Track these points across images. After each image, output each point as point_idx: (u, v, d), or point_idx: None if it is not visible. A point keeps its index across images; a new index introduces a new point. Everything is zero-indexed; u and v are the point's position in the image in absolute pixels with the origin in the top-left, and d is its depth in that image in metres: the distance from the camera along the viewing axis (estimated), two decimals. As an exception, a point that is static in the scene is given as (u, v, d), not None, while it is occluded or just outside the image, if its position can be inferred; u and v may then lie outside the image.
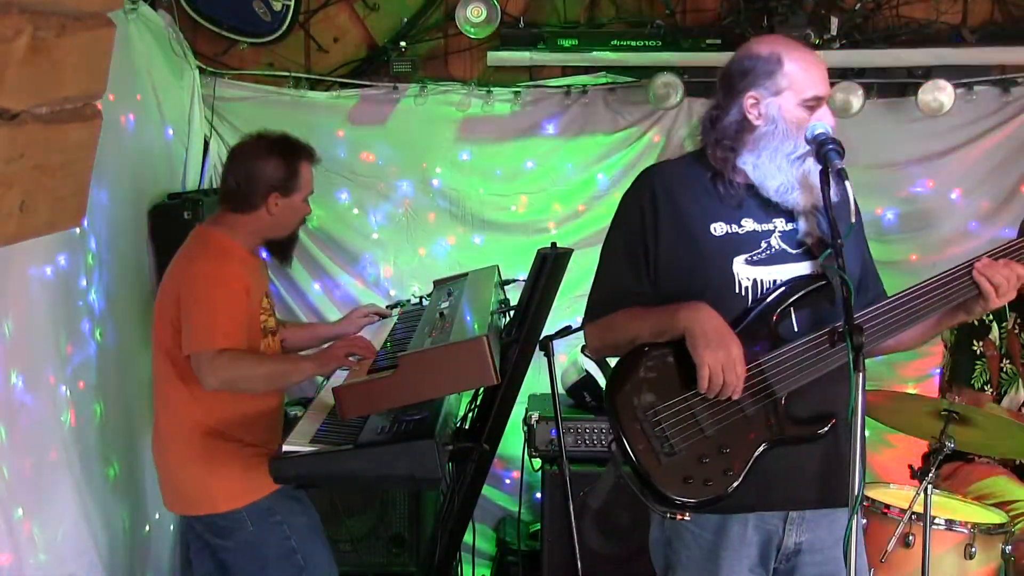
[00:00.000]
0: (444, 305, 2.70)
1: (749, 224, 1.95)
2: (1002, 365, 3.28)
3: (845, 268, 1.80)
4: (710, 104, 2.02)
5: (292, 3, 3.70)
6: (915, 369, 3.96)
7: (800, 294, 1.91)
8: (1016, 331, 3.28)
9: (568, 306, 3.71)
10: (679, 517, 1.88)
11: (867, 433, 2.08)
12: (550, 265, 2.68)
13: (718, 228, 1.94)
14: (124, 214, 3.13)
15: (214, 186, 3.70)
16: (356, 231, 4.01)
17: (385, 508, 3.58)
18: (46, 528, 2.45)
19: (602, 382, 3.55)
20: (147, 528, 3.14)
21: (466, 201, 4.01)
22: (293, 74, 3.91)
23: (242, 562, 2.59)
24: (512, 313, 2.84)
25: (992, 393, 3.25)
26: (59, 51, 1.52)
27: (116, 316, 3.00)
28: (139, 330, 3.04)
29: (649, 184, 2.02)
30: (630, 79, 3.91)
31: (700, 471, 1.84)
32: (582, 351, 3.58)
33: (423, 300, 3.13)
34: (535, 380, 3.20)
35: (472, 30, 3.78)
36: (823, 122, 1.91)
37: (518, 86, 3.96)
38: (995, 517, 2.85)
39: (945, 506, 2.87)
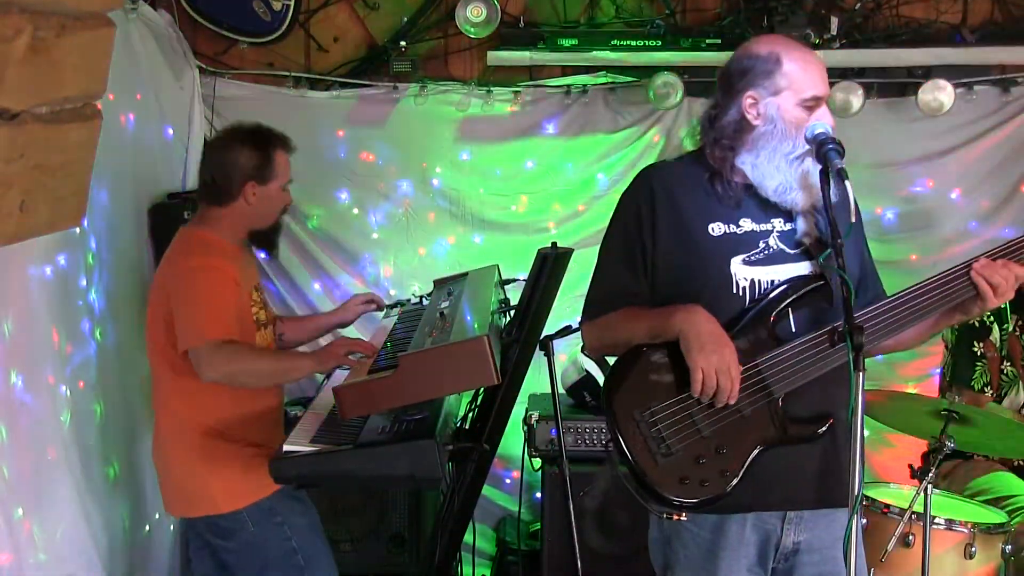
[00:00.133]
0: (444, 305, 2.70)
1: (747, 224, 1.95)
2: (1003, 367, 3.28)
3: (845, 268, 1.80)
4: (709, 103, 2.02)
5: (292, 3, 3.70)
6: (915, 369, 3.96)
7: (798, 294, 1.90)
8: (1017, 333, 3.28)
9: (568, 306, 3.71)
10: (675, 517, 1.89)
11: (867, 433, 2.09)
12: (550, 265, 2.68)
13: (716, 228, 1.94)
14: (124, 214, 3.13)
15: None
16: (356, 231, 4.01)
17: (385, 508, 3.57)
18: (46, 528, 2.44)
19: (602, 382, 3.56)
20: (147, 528, 3.14)
21: (466, 201, 4.01)
22: (293, 74, 3.91)
23: (243, 563, 2.59)
24: (512, 313, 2.84)
25: (992, 395, 3.25)
26: (59, 51, 1.52)
27: (116, 316, 3.00)
28: (139, 330, 3.03)
29: (647, 183, 2.02)
30: (630, 79, 3.91)
31: (697, 472, 1.84)
32: (582, 351, 3.59)
33: (423, 300, 3.13)
34: (535, 380, 3.20)
35: (472, 30, 3.78)
36: (822, 122, 1.92)
37: (518, 86, 3.95)
38: (995, 516, 2.86)
39: (945, 506, 2.87)
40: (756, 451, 1.86)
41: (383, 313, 3.21)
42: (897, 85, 3.94)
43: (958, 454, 3.13)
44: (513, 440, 3.54)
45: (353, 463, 2.28)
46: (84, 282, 2.83)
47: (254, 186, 2.58)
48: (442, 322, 2.48)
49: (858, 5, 3.82)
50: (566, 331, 2.96)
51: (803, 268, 1.94)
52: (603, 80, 3.94)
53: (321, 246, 3.99)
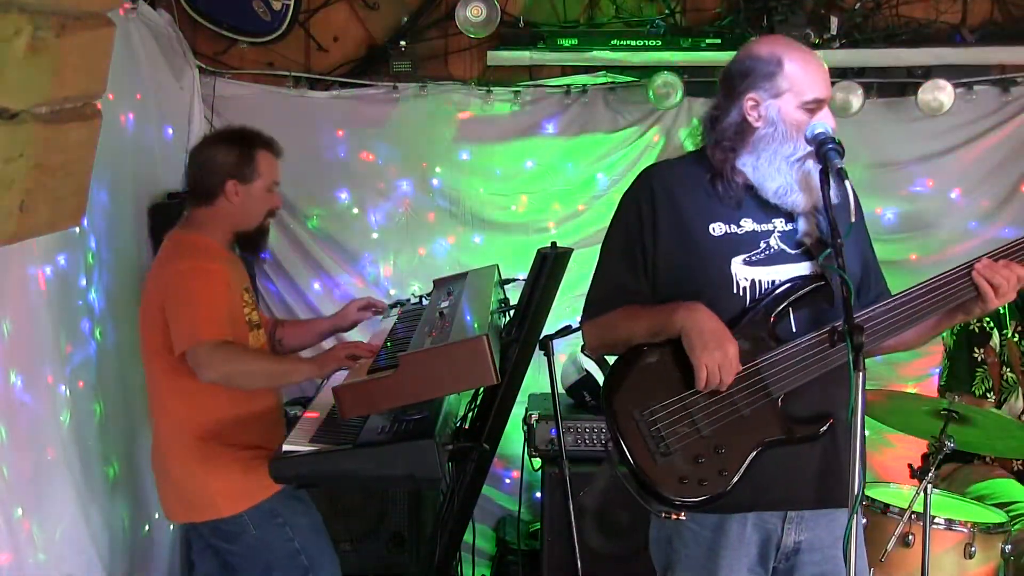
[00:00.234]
0: (444, 304, 2.70)
1: (748, 224, 1.95)
2: (1003, 372, 3.27)
3: (845, 267, 1.80)
4: (711, 104, 2.02)
5: (292, 2, 3.70)
6: (915, 369, 3.96)
7: (798, 294, 1.91)
8: (1016, 339, 3.27)
9: (568, 306, 3.71)
10: (674, 516, 1.89)
11: (867, 433, 2.08)
12: (550, 264, 2.68)
13: (717, 228, 1.94)
14: (124, 213, 3.13)
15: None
16: (356, 230, 4.01)
17: (385, 508, 3.57)
18: (45, 527, 2.44)
19: (602, 381, 3.56)
20: (147, 528, 3.14)
21: (466, 200, 4.01)
22: (293, 73, 3.91)
23: (247, 565, 2.60)
24: (512, 312, 2.84)
25: (993, 400, 3.24)
26: (59, 50, 1.52)
27: (116, 315, 3.00)
28: (139, 331, 3.03)
29: (648, 183, 2.02)
30: (630, 79, 3.91)
31: (696, 471, 1.84)
32: (582, 350, 3.59)
33: (423, 299, 3.13)
34: (535, 379, 3.20)
35: (472, 29, 3.78)
36: (823, 122, 1.92)
37: (518, 86, 3.95)
38: (995, 516, 2.86)
39: (945, 505, 2.87)
40: (755, 451, 1.86)
41: (383, 313, 3.20)
42: (897, 85, 3.94)
43: (957, 456, 3.12)
44: (513, 440, 3.54)
45: (353, 463, 2.28)
46: (84, 282, 2.83)
47: (236, 184, 2.58)
48: (442, 322, 2.48)
49: (858, 5, 3.82)
50: (566, 331, 2.96)
51: (804, 268, 1.94)
52: (603, 80, 3.94)
53: (321, 246, 3.98)
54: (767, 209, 1.95)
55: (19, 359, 2.42)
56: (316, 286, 3.99)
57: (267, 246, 2.80)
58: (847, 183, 1.81)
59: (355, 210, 4.00)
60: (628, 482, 1.86)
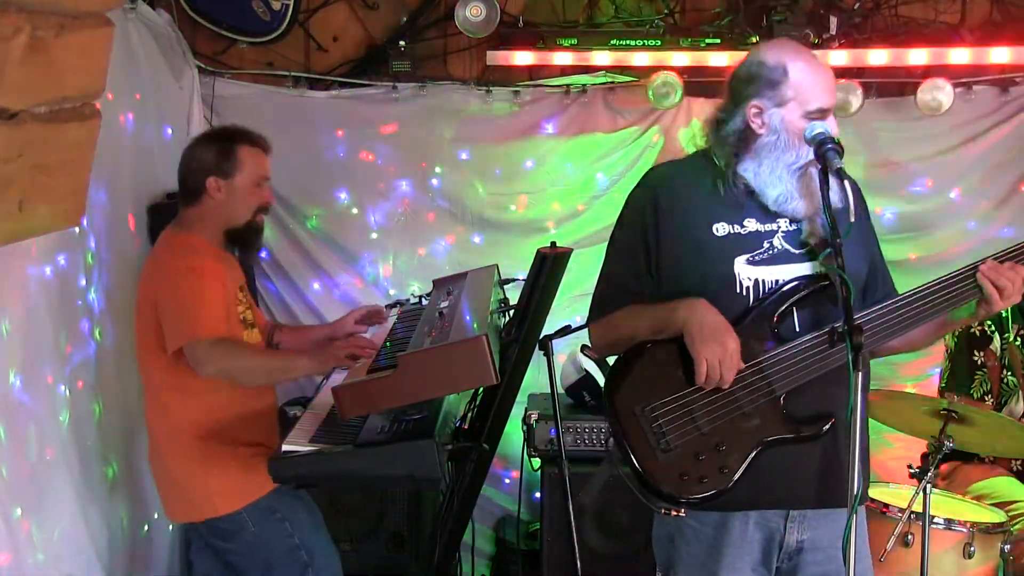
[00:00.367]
0: (443, 304, 2.69)
1: (752, 224, 1.95)
2: (1003, 376, 3.26)
3: (845, 267, 1.80)
4: (717, 106, 2.03)
5: (291, 2, 3.69)
6: (914, 369, 3.96)
7: (802, 294, 1.91)
8: (1018, 343, 3.26)
9: (568, 306, 3.71)
10: (674, 513, 1.89)
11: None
12: (550, 265, 2.68)
13: (720, 228, 1.95)
14: (123, 213, 3.13)
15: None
16: (355, 231, 4.00)
17: (385, 508, 3.57)
18: (44, 528, 2.44)
19: (601, 381, 3.56)
20: (146, 528, 3.13)
21: (465, 200, 4.01)
22: (292, 73, 3.91)
23: (247, 563, 2.60)
24: (512, 312, 2.84)
25: (992, 403, 3.24)
26: (58, 50, 1.52)
27: (115, 316, 3.00)
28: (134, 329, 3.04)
29: (652, 184, 2.03)
30: (629, 78, 3.91)
31: (696, 468, 1.84)
32: (581, 350, 3.60)
33: (422, 300, 3.13)
34: (534, 379, 3.19)
35: (471, 29, 3.77)
36: (821, 122, 1.91)
37: (517, 85, 3.95)
38: (994, 516, 2.86)
39: (944, 505, 2.87)
40: (756, 449, 1.86)
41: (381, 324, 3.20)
42: (896, 85, 3.94)
43: (957, 456, 3.13)
44: (513, 440, 3.54)
45: (352, 463, 2.28)
46: (83, 282, 2.83)
47: (217, 180, 2.58)
48: (441, 322, 2.48)
49: (857, 5, 3.82)
50: (565, 331, 2.96)
51: (808, 268, 1.94)
52: (602, 80, 3.94)
53: (320, 246, 3.98)
54: (771, 210, 1.96)
55: (18, 359, 2.42)
56: (315, 286, 3.99)
57: (261, 245, 2.79)
58: (846, 183, 1.82)
59: (354, 210, 4.00)
60: (629, 479, 1.87)
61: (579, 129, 3.98)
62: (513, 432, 3.40)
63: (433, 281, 3.23)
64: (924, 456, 2.68)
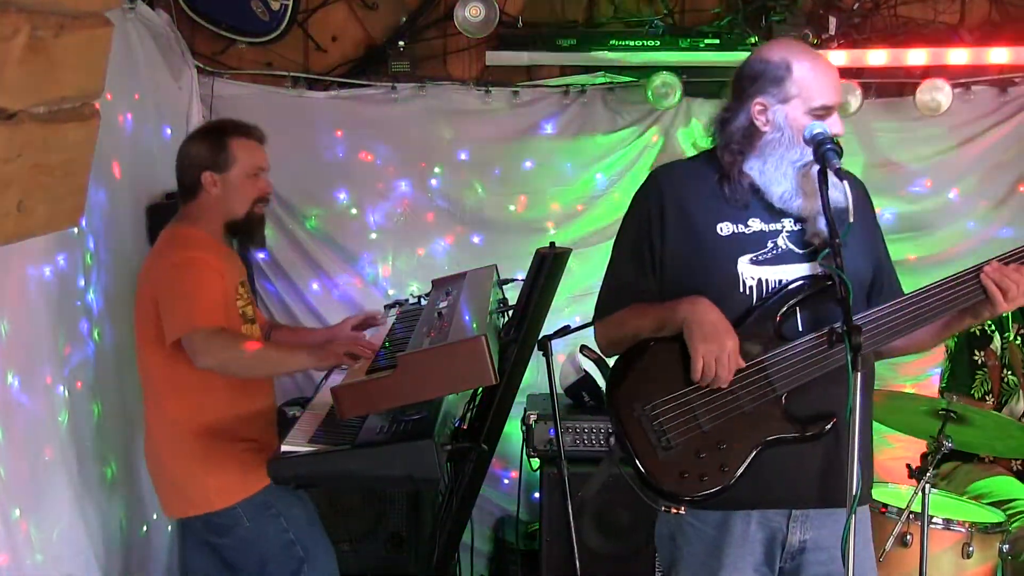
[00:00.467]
0: (443, 305, 2.70)
1: (756, 224, 1.96)
2: (1003, 375, 3.27)
3: (843, 268, 1.80)
4: (722, 105, 2.03)
5: (290, 2, 3.69)
6: (914, 368, 3.96)
7: (805, 294, 1.91)
8: (1018, 342, 3.27)
9: (567, 306, 3.71)
10: (674, 510, 1.89)
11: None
12: (549, 265, 2.68)
13: (724, 228, 1.95)
14: (122, 214, 3.13)
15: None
16: (354, 231, 4.00)
17: (384, 508, 3.57)
18: (43, 528, 2.44)
19: (600, 382, 3.56)
20: (144, 528, 3.13)
21: (464, 201, 4.01)
22: (291, 73, 3.91)
23: (243, 558, 2.59)
24: (511, 313, 2.84)
25: (992, 402, 3.24)
26: (57, 50, 1.52)
27: (114, 316, 3.00)
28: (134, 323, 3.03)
29: (657, 183, 2.04)
30: (628, 79, 3.91)
31: (696, 466, 1.85)
32: (580, 350, 3.60)
33: (421, 300, 3.13)
34: (533, 380, 3.20)
35: (470, 30, 3.78)
36: (820, 122, 1.91)
37: (516, 86, 3.95)
38: (992, 516, 2.86)
39: (943, 505, 2.87)
40: (757, 448, 1.86)
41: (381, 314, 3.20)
42: (895, 85, 3.94)
43: (957, 456, 3.13)
44: (512, 440, 3.54)
45: (351, 463, 2.28)
46: (82, 282, 2.83)
47: (211, 175, 2.59)
48: (440, 322, 2.48)
49: (856, 5, 3.82)
50: (564, 331, 2.96)
51: (812, 268, 1.94)
52: (601, 80, 3.94)
53: (319, 246, 3.98)
54: (776, 209, 1.96)
55: (17, 360, 2.42)
56: (315, 286, 3.99)
57: (264, 236, 2.78)
58: (846, 183, 1.82)
59: (354, 210, 4.00)
60: (630, 477, 1.87)
61: (578, 129, 3.98)
62: (512, 432, 3.40)
63: (432, 281, 3.23)
64: (923, 456, 2.68)
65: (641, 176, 3.91)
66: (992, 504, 3.02)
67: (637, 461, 1.85)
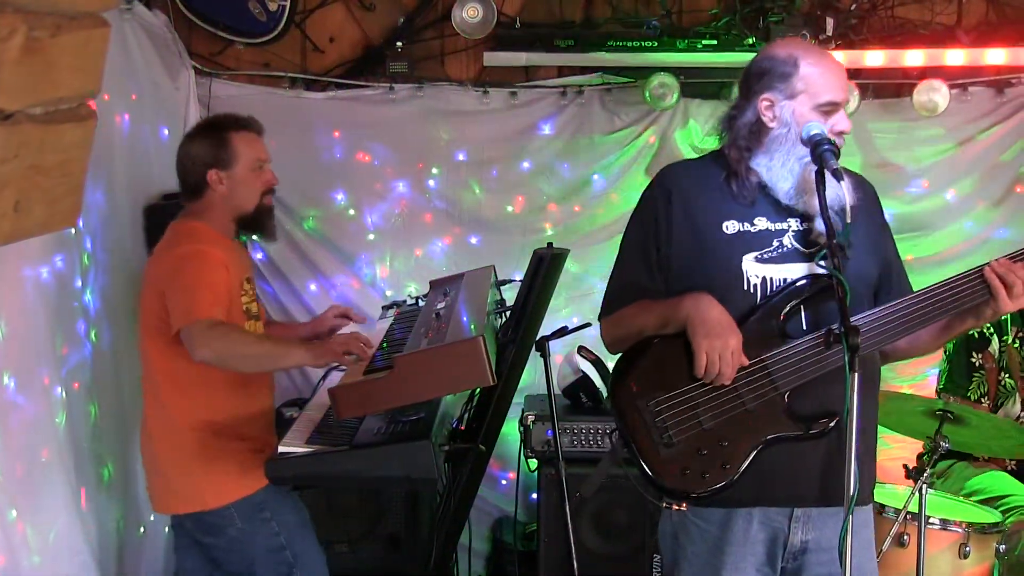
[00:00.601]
0: (440, 306, 2.70)
1: (762, 223, 1.96)
2: (1000, 378, 3.27)
3: (841, 268, 1.81)
4: (730, 103, 2.04)
5: (288, 3, 3.69)
6: (911, 369, 3.96)
7: (809, 293, 1.91)
8: (1016, 345, 3.27)
9: (564, 306, 3.71)
10: (675, 507, 1.89)
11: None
12: (546, 265, 2.68)
13: (730, 226, 1.96)
14: (119, 214, 3.13)
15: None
16: (352, 232, 4.00)
17: (382, 509, 3.57)
18: (40, 529, 2.44)
19: (598, 382, 3.56)
20: (141, 529, 3.13)
21: (462, 201, 4.01)
22: (289, 74, 3.91)
23: (231, 559, 2.58)
24: (508, 313, 2.84)
25: (988, 405, 3.24)
26: (54, 51, 1.52)
27: (111, 317, 2.99)
28: (134, 331, 3.03)
29: (664, 182, 2.05)
30: (626, 79, 3.91)
31: (698, 463, 1.85)
32: (578, 351, 3.60)
33: (419, 300, 3.13)
34: (531, 380, 3.19)
35: (468, 30, 3.77)
36: (817, 123, 1.92)
37: (514, 86, 3.95)
38: (989, 516, 2.86)
39: (940, 506, 2.87)
40: (759, 446, 1.86)
41: (379, 314, 3.20)
42: (892, 86, 3.95)
43: (953, 454, 3.13)
44: (509, 441, 3.54)
45: (349, 464, 2.28)
46: (79, 283, 2.83)
47: (217, 172, 2.58)
48: (438, 323, 2.48)
49: (853, 6, 3.83)
50: (562, 332, 2.96)
51: (817, 268, 1.94)
52: (599, 81, 3.94)
53: (317, 247, 3.98)
54: (782, 208, 1.97)
55: (14, 360, 2.41)
56: (312, 287, 3.98)
57: (275, 227, 2.75)
58: (843, 184, 1.82)
59: (351, 211, 4.00)
60: (632, 474, 1.87)
61: (576, 130, 3.98)
62: (510, 433, 3.41)
63: (430, 282, 3.23)
64: (920, 456, 2.69)
65: (639, 176, 3.96)
66: (987, 500, 3.03)
67: (639, 457, 1.85)
